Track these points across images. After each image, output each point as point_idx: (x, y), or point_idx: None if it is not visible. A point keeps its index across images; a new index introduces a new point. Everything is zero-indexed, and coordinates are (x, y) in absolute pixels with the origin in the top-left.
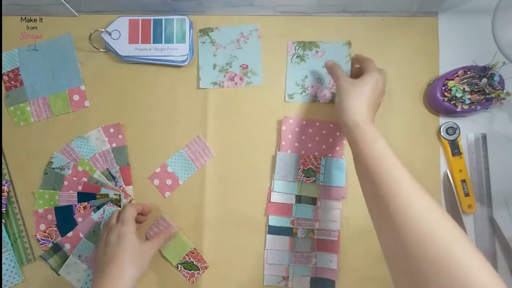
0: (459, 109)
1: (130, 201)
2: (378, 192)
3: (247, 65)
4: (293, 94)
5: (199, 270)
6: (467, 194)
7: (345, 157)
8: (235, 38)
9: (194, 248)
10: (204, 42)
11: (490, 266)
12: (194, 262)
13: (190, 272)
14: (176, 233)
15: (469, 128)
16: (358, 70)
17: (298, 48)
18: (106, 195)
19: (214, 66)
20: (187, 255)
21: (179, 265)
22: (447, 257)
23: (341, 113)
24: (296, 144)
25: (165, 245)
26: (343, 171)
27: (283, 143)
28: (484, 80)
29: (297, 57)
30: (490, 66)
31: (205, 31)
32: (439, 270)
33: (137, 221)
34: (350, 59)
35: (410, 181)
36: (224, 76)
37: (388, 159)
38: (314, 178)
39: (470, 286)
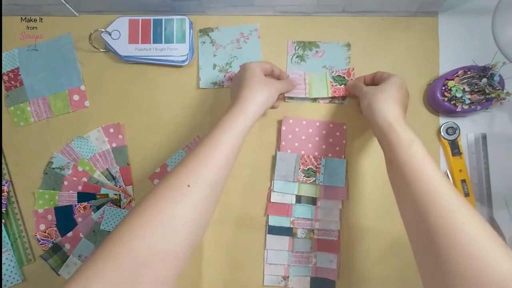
0: (459, 109)
1: (130, 201)
2: (416, 200)
3: None
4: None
5: None
6: (467, 194)
7: (345, 157)
8: (235, 38)
9: None
10: (204, 42)
11: None
12: None
13: None
14: (296, 84)
15: (469, 128)
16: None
17: (298, 48)
18: (106, 195)
19: (214, 66)
20: None
21: None
22: (492, 279)
23: (373, 115)
24: (296, 144)
25: None
26: (343, 171)
27: (283, 143)
28: (484, 80)
29: (297, 57)
30: (490, 66)
31: (205, 31)
32: None
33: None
34: (350, 60)
35: (451, 190)
36: (224, 76)
37: (428, 165)
38: (314, 178)
39: None
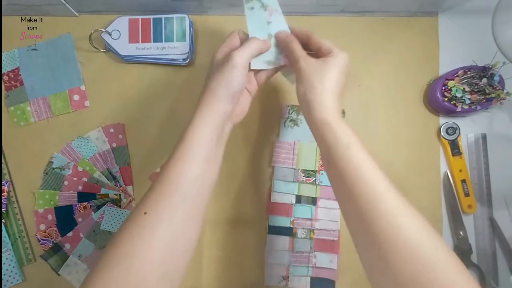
0: (459, 109)
1: (130, 201)
2: (358, 205)
3: None
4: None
5: None
6: (467, 194)
7: None
8: None
9: None
10: (252, 8)
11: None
12: None
13: None
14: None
15: (469, 128)
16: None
17: (292, 112)
18: (106, 195)
19: (270, 36)
20: None
21: None
22: (438, 281)
23: (306, 108)
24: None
25: None
26: None
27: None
28: (484, 80)
29: (290, 121)
30: (490, 66)
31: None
32: None
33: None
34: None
35: (394, 195)
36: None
37: (366, 166)
38: (314, 178)
39: None
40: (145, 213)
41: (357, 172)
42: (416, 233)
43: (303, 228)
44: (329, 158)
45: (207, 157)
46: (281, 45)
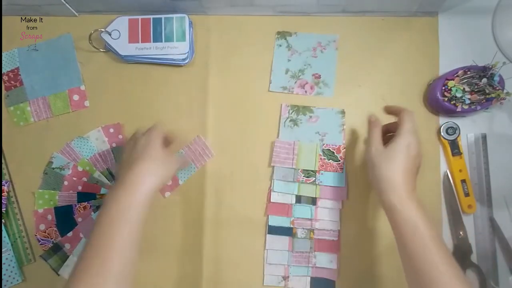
0: (459, 109)
1: None
2: (420, 279)
3: (319, 75)
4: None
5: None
6: (467, 194)
7: (344, 158)
8: (312, 46)
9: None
10: (280, 45)
11: None
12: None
13: None
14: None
15: (469, 128)
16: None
17: (292, 112)
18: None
19: (287, 71)
20: None
21: None
22: None
23: (377, 191)
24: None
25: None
26: (343, 171)
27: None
28: (484, 80)
29: (290, 120)
30: (490, 66)
31: (283, 34)
32: None
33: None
34: (344, 128)
35: (451, 270)
36: (295, 82)
37: (431, 248)
38: (314, 178)
39: None
40: None
41: (423, 254)
42: None
43: (303, 228)
44: (399, 236)
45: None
46: (369, 126)
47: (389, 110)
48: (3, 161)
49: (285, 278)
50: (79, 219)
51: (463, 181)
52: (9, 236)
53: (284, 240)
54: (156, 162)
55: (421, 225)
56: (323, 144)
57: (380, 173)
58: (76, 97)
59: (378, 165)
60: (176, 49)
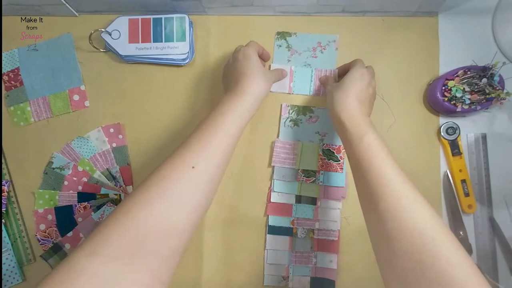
0: (459, 109)
1: None
2: (369, 189)
3: None
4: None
5: None
6: (467, 194)
7: (345, 157)
8: (311, 46)
9: None
10: (280, 46)
11: (474, 264)
12: None
13: None
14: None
15: (469, 128)
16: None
17: (292, 112)
18: (106, 195)
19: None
20: None
21: None
22: (433, 255)
23: (331, 113)
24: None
25: None
26: (343, 171)
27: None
28: (484, 80)
29: (290, 120)
30: (490, 66)
31: (282, 35)
32: (425, 268)
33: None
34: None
35: (399, 177)
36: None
37: (377, 154)
38: (314, 178)
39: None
40: (193, 167)
41: (368, 160)
42: (419, 215)
43: (303, 228)
44: (347, 149)
45: (236, 135)
46: (323, 84)
47: (342, 68)
48: (3, 161)
49: (285, 278)
50: (79, 219)
51: (463, 181)
52: (9, 236)
53: (284, 240)
54: (257, 73)
55: (367, 135)
56: (323, 144)
57: (335, 98)
58: (76, 97)
59: (334, 93)
60: (176, 49)
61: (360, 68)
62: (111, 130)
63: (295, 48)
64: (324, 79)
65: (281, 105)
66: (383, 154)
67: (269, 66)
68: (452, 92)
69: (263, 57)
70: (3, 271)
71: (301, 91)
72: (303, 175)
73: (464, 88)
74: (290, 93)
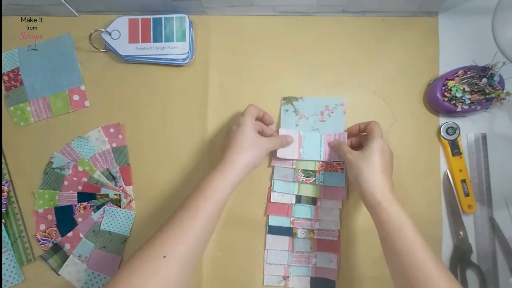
0: (459, 109)
1: (130, 201)
2: (407, 275)
3: None
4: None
5: None
6: (467, 194)
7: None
8: (319, 110)
9: None
10: (287, 110)
11: None
12: None
13: None
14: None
15: (469, 128)
16: (359, 141)
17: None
18: (106, 195)
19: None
20: None
21: None
22: None
23: (360, 192)
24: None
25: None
26: (343, 171)
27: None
28: (484, 80)
29: None
30: (490, 66)
31: (289, 99)
32: None
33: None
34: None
35: (438, 268)
36: None
37: (417, 243)
38: (314, 178)
39: None
40: (164, 257)
41: (410, 250)
42: None
43: (303, 228)
44: (384, 234)
45: (218, 213)
46: (334, 149)
47: (358, 128)
48: (3, 161)
49: (285, 278)
50: (79, 219)
51: (463, 181)
52: (9, 236)
53: (284, 240)
54: (246, 143)
55: (406, 222)
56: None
57: (361, 174)
58: (76, 97)
59: (358, 167)
60: (176, 49)
61: (378, 139)
62: (111, 130)
63: (302, 112)
64: (335, 143)
65: (281, 100)
66: (422, 242)
67: (278, 131)
68: (452, 92)
69: (265, 121)
70: (3, 271)
71: (311, 157)
72: (303, 175)
73: (464, 88)
74: (300, 159)
